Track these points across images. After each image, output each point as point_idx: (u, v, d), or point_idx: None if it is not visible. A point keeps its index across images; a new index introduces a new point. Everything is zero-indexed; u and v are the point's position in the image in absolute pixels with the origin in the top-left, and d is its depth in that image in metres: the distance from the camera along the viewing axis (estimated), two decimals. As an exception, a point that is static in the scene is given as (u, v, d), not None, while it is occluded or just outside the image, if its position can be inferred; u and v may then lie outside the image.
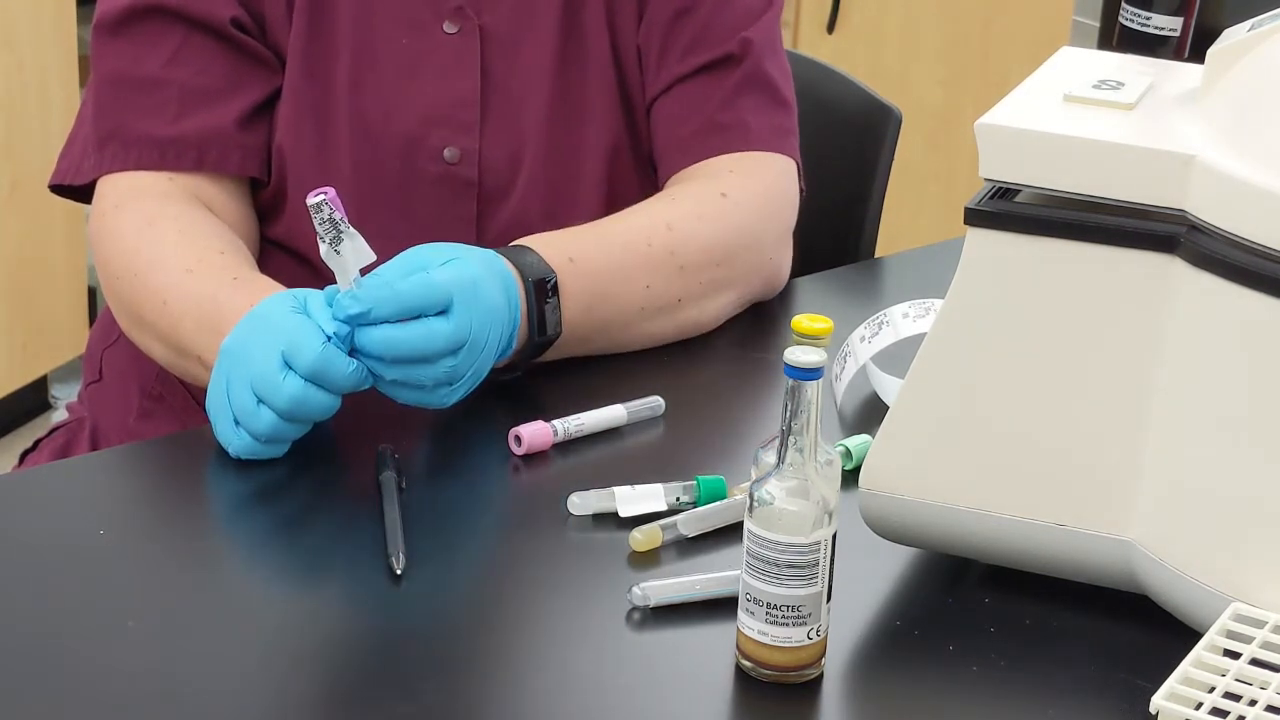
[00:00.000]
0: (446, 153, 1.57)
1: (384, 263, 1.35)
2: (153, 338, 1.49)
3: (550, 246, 1.47)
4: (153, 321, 1.48)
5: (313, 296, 1.34)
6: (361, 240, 1.30)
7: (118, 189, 1.54)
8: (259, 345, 1.32)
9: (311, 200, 1.28)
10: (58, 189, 1.61)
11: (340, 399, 1.33)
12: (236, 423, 1.33)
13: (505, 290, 1.39)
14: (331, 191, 1.28)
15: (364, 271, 1.31)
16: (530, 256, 1.45)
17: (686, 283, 1.54)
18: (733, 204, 1.58)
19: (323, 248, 1.29)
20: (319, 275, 1.55)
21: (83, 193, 1.59)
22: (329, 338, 1.30)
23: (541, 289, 1.44)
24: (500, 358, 1.41)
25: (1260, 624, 1.12)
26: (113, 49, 1.56)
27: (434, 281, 1.32)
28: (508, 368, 1.45)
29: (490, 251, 1.41)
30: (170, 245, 1.49)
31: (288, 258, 1.59)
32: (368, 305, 1.30)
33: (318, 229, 1.28)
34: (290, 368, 1.30)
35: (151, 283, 1.48)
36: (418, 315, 1.31)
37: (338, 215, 1.28)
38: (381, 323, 1.30)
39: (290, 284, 1.50)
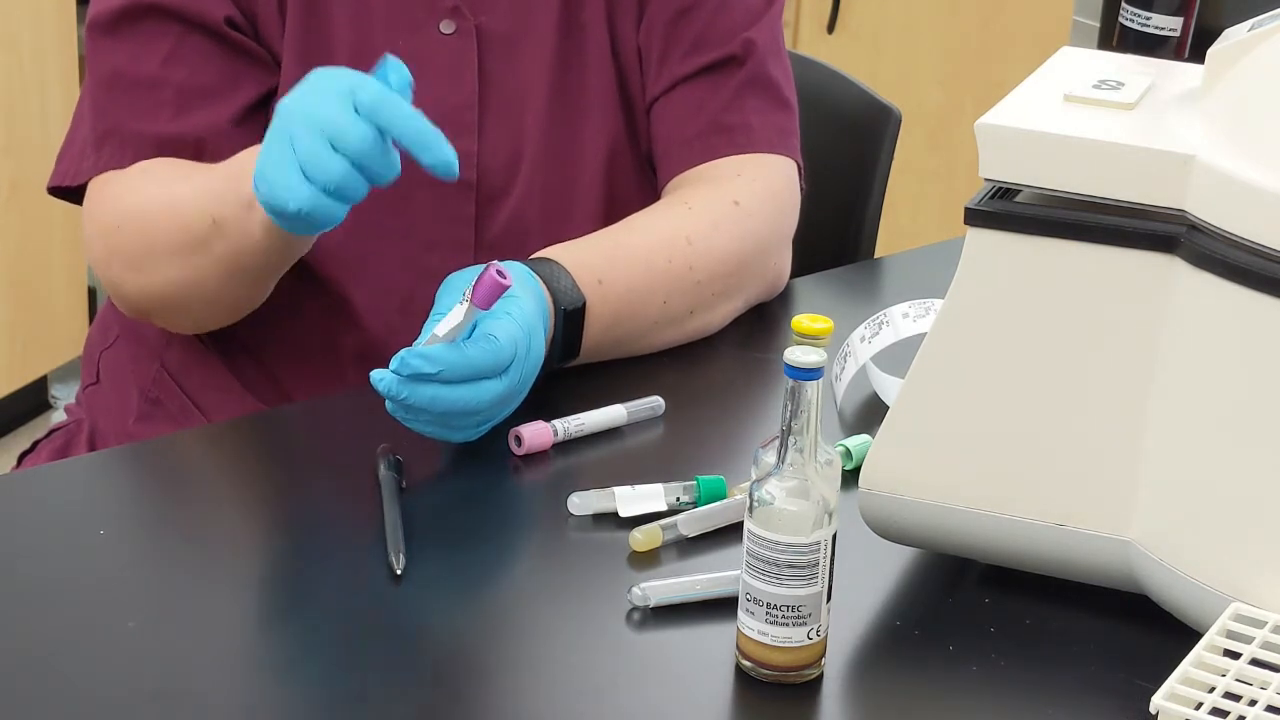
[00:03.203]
0: None
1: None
2: (166, 256, 1.46)
3: (583, 268, 1.47)
4: (165, 237, 1.46)
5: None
6: (464, 319, 1.30)
7: (112, 181, 1.54)
8: (324, 94, 1.28)
9: (493, 265, 1.29)
10: (56, 191, 1.61)
11: (395, 164, 1.29)
12: (304, 176, 1.28)
13: (545, 324, 1.40)
14: (508, 279, 1.29)
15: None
16: (565, 280, 1.45)
17: (700, 295, 1.55)
18: (745, 213, 1.58)
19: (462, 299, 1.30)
20: (312, 274, 1.55)
21: (81, 194, 1.59)
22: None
23: (571, 319, 1.45)
24: None
25: (1260, 624, 1.12)
26: (108, 49, 1.56)
27: (501, 348, 1.32)
28: None
29: (533, 277, 1.41)
30: (167, 172, 1.49)
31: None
32: (439, 367, 1.29)
33: (471, 287, 1.29)
34: (358, 112, 1.27)
35: (156, 203, 1.47)
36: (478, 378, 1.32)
37: (469, 292, 1.29)
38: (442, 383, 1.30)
39: (284, 283, 1.51)
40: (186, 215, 1.45)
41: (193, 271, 1.47)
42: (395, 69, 1.29)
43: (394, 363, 1.29)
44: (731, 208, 1.58)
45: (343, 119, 1.27)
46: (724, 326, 1.59)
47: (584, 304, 1.45)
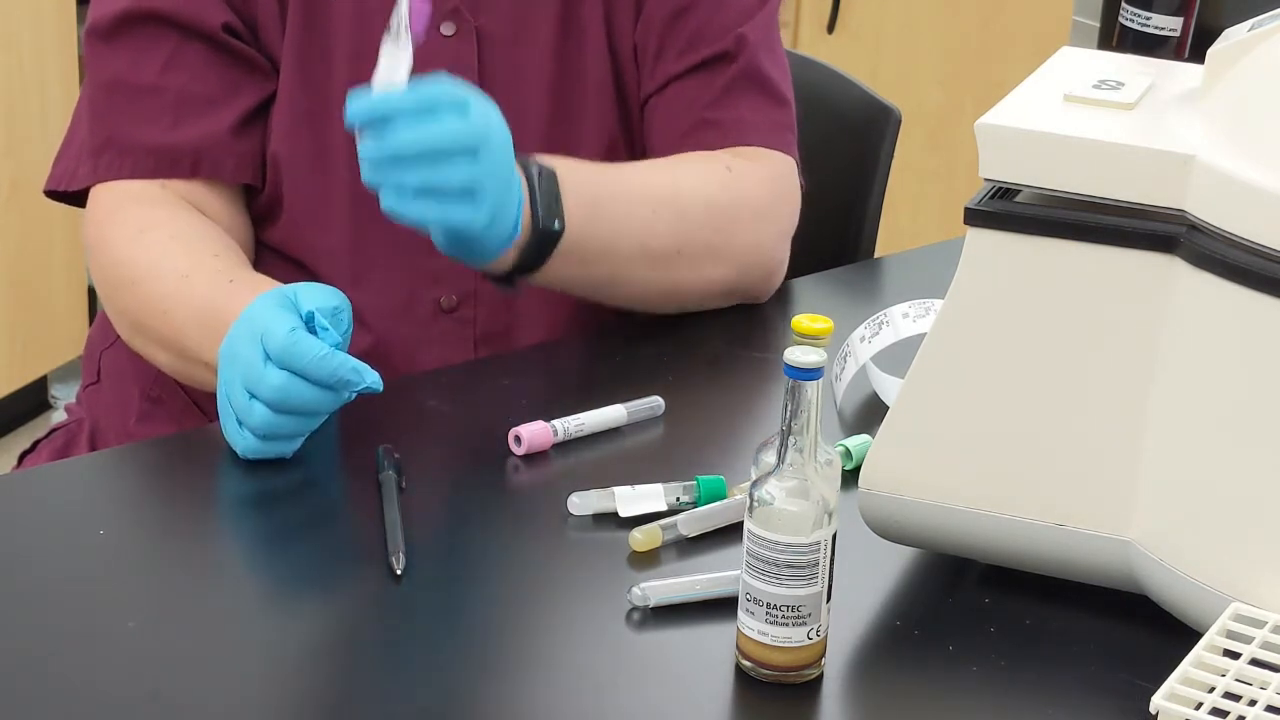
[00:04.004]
0: None
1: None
2: (157, 346, 1.49)
3: (545, 157, 1.49)
4: (155, 329, 1.48)
5: (304, 291, 1.34)
6: (407, 58, 1.32)
7: (111, 196, 1.54)
8: (244, 341, 1.32)
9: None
10: (53, 194, 1.61)
11: (334, 393, 1.31)
12: (240, 424, 1.33)
13: (509, 156, 1.39)
14: (427, 6, 1.32)
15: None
16: (523, 157, 1.46)
17: (687, 234, 1.54)
18: (737, 177, 1.59)
19: (385, 34, 1.33)
20: (312, 277, 1.55)
21: (78, 198, 1.59)
22: (306, 321, 1.30)
23: (543, 173, 1.45)
24: (511, 238, 1.41)
25: (1260, 624, 1.12)
26: (107, 55, 1.56)
27: (452, 89, 1.33)
28: (513, 274, 1.46)
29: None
30: (165, 251, 1.49)
31: (284, 263, 1.58)
32: (384, 108, 1.31)
33: (391, 18, 1.31)
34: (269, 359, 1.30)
35: (150, 291, 1.48)
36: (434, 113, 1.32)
37: (405, 15, 1.31)
38: (399, 121, 1.31)
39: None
40: (174, 326, 1.46)
41: (181, 363, 1.48)
42: (326, 297, 1.33)
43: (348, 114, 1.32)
44: (723, 171, 1.59)
45: (254, 369, 1.31)
46: (706, 304, 1.59)
47: (554, 171, 1.46)
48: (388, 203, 1.33)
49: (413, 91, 1.32)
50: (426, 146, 1.32)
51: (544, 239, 1.45)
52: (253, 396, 1.31)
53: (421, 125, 1.31)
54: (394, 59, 1.32)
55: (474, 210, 1.35)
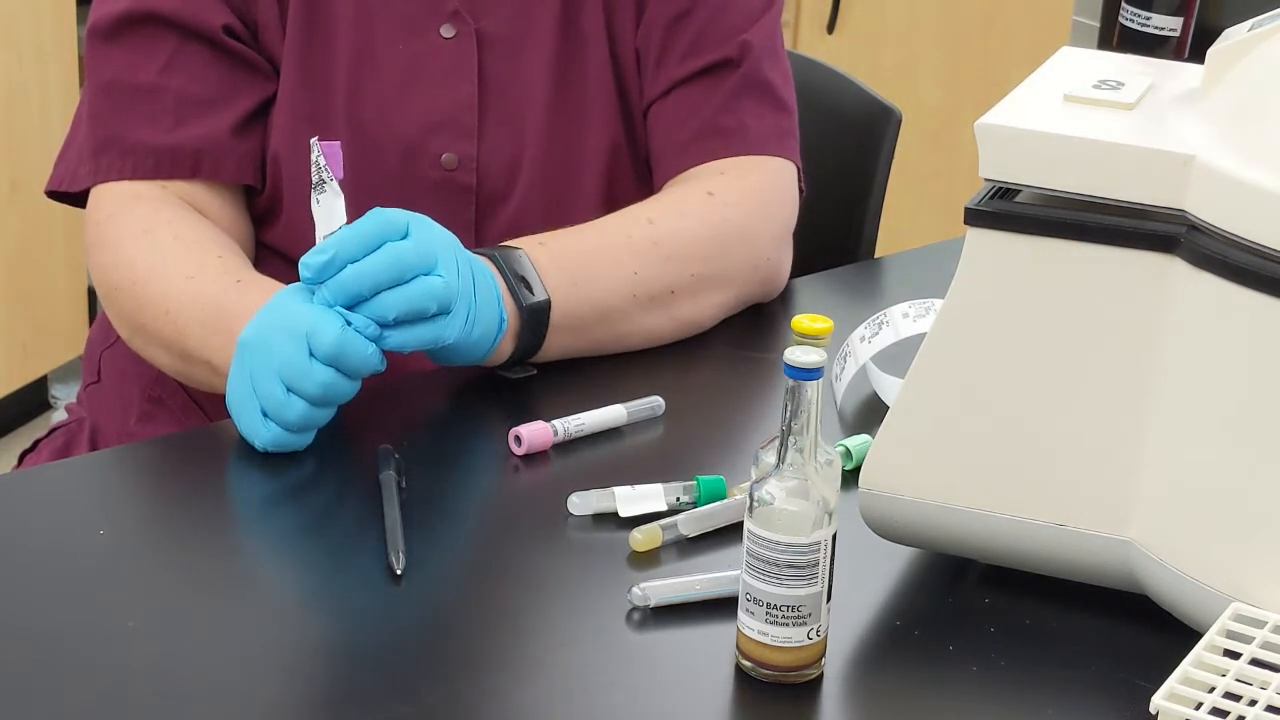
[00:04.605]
0: (445, 158, 1.57)
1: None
2: (157, 346, 1.49)
3: (526, 238, 1.49)
4: (156, 330, 1.48)
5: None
6: (340, 203, 1.32)
7: (111, 198, 1.54)
8: (281, 334, 1.32)
9: (313, 140, 1.32)
10: (54, 195, 1.61)
11: (358, 384, 1.34)
12: (264, 415, 1.33)
13: (471, 263, 1.40)
14: (336, 146, 1.32)
15: None
16: (487, 249, 1.46)
17: (677, 274, 1.54)
18: (720, 202, 1.58)
19: (313, 195, 1.33)
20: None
21: (78, 198, 1.59)
22: (347, 323, 1.31)
23: (507, 256, 1.45)
24: (499, 335, 1.41)
25: (1260, 624, 1.12)
26: (108, 56, 1.56)
27: (387, 213, 1.34)
28: (516, 362, 1.46)
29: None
30: (168, 252, 1.49)
31: (284, 263, 1.58)
32: (330, 251, 1.31)
33: (312, 173, 1.32)
34: (313, 355, 1.31)
35: (152, 291, 1.48)
36: (381, 245, 1.33)
37: (323, 165, 1.32)
38: (348, 263, 1.32)
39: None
40: (176, 326, 1.46)
41: (181, 363, 1.49)
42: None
43: (302, 273, 1.33)
44: (704, 197, 1.58)
45: (298, 365, 1.32)
46: (718, 322, 1.59)
47: (521, 250, 1.46)
48: (369, 336, 1.33)
49: (348, 229, 1.32)
50: (379, 278, 1.32)
51: (534, 316, 1.45)
52: (290, 390, 1.32)
53: (368, 259, 1.32)
54: (328, 209, 1.33)
55: (449, 319, 1.36)
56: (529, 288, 1.45)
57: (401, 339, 1.34)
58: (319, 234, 1.33)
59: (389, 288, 1.32)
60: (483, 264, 1.42)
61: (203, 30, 1.54)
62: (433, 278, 1.34)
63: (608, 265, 1.51)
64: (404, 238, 1.33)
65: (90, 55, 1.58)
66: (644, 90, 1.63)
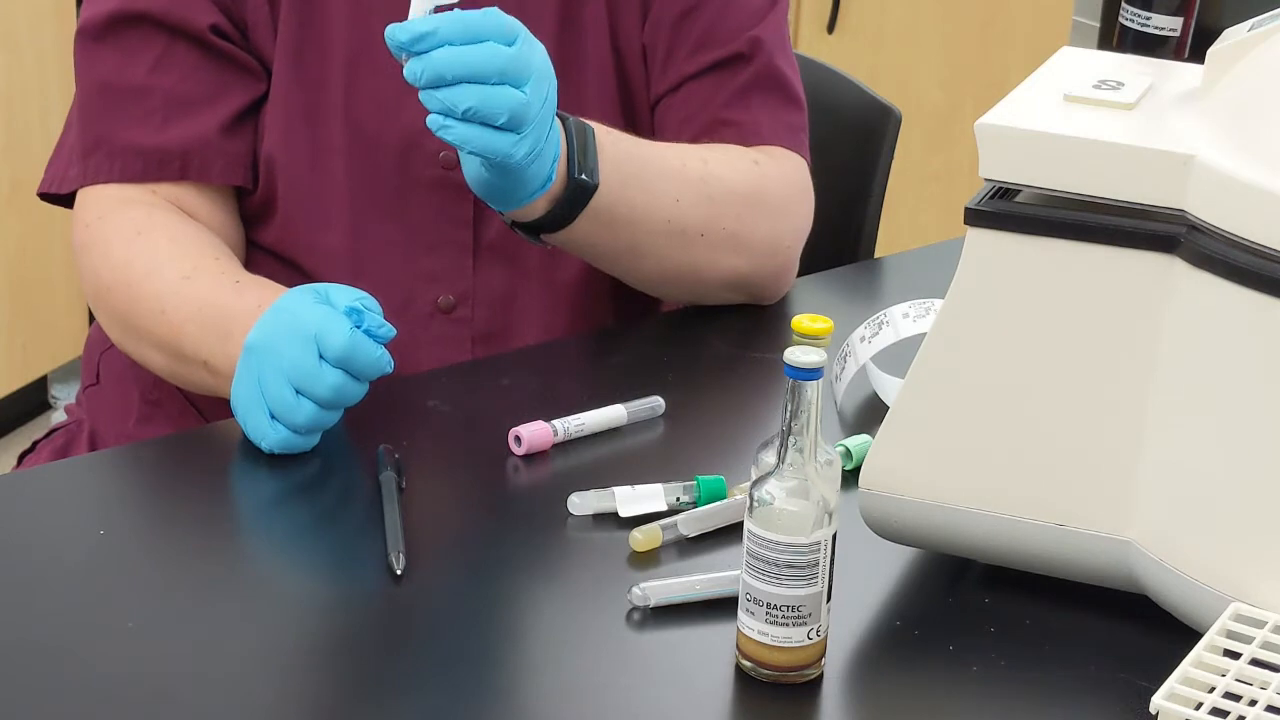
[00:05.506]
0: (442, 156, 1.57)
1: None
2: (150, 346, 1.49)
3: (589, 120, 1.49)
4: (149, 330, 1.48)
5: (334, 290, 1.35)
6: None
7: (101, 200, 1.54)
8: (290, 337, 1.33)
9: None
10: (46, 197, 1.61)
11: (368, 386, 1.34)
12: (272, 417, 1.33)
13: (554, 95, 1.39)
14: None
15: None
16: (563, 112, 1.46)
17: (712, 218, 1.55)
18: (762, 172, 1.59)
19: None
20: (311, 276, 1.55)
21: (70, 200, 1.58)
22: (356, 325, 1.31)
23: (580, 127, 1.45)
24: (546, 182, 1.41)
25: (1260, 624, 1.12)
26: (96, 57, 1.56)
27: (504, 16, 1.33)
28: (538, 228, 1.46)
29: None
30: (163, 253, 1.49)
31: (277, 264, 1.58)
32: (433, 25, 1.30)
33: None
34: (323, 358, 1.31)
35: (147, 291, 1.47)
36: (484, 41, 1.32)
37: None
38: (443, 42, 1.31)
39: (285, 285, 1.50)
40: (172, 326, 1.46)
41: (175, 364, 1.48)
42: (356, 296, 1.34)
43: (395, 35, 1.31)
44: (750, 163, 1.60)
45: (308, 368, 1.32)
46: (727, 297, 1.60)
47: (593, 130, 1.46)
48: (432, 122, 1.32)
49: (459, 15, 1.31)
50: (470, 70, 1.31)
51: (577, 192, 1.46)
52: (299, 393, 1.32)
53: (467, 48, 1.31)
54: None
55: (516, 140, 1.34)
56: (586, 163, 1.45)
57: (465, 134, 1.33)
58: (415, 10, 1.31)
59: (473, 83, 1.31)
60: (558, 127, 1.42)
61: (191, 30, 1.54)
62: (518, 91, 1.33)
63: (657, 179, 1.52)
64: (510, 45, 1.32)
65: (79, 56, 1.58)
66: (651, 85, 1.64)
